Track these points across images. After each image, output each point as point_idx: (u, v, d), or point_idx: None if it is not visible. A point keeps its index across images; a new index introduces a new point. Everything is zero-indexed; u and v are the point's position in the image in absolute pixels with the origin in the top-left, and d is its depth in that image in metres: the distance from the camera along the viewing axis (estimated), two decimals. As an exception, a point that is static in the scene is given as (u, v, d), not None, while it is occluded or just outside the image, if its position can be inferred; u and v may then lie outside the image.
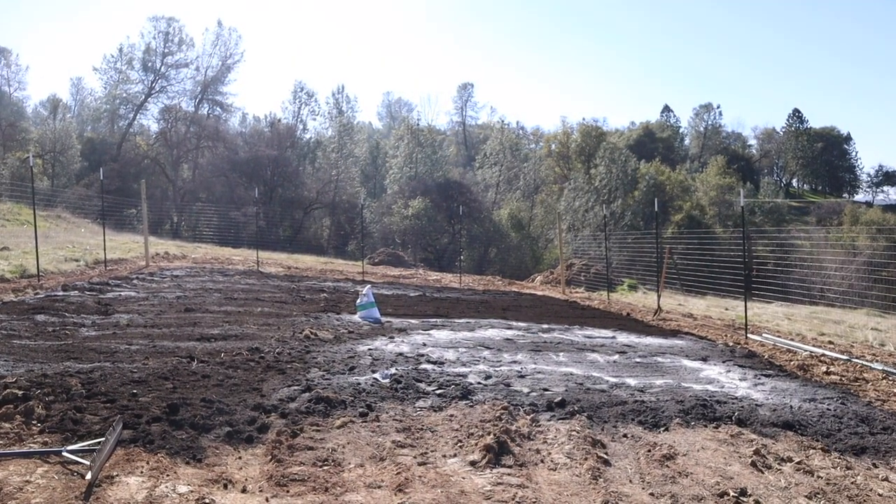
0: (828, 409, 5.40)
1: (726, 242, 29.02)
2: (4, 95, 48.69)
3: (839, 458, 4.25)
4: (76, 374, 5.21)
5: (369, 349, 7.22)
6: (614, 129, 75.56)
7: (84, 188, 36.09)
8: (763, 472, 3.97)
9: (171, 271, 15.71)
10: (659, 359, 7.54)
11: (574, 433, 4.42)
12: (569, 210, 44.35)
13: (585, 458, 4.00)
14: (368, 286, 11.10)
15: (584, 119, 64.65)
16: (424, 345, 7.70)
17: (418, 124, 51.96)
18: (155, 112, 47.85)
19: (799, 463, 4.12)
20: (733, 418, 4.93)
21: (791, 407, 5.44)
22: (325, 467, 3.69)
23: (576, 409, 5.03)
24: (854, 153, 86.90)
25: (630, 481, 3.77)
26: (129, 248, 19.99)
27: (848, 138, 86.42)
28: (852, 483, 3.86)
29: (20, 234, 18.69)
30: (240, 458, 3.78)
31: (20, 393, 4.38)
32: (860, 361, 7.88)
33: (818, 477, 3.94)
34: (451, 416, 4.77)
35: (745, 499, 3.56)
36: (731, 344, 9.08)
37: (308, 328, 8.19)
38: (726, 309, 14.39)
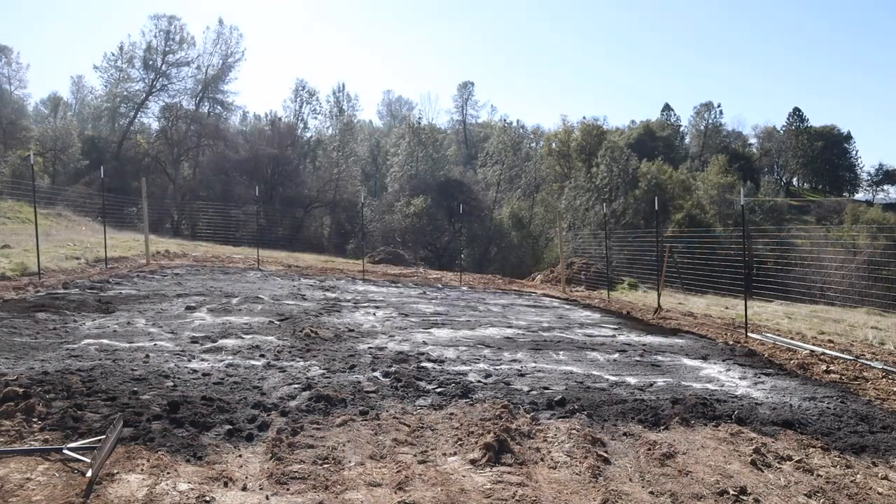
0: (827, 408, 5.41)
1: (726, 241, 29.01)
2: (5, 93, 48.54)
3: (839, 457, 4.26)
4: (77, 371, 5.22)
5: (369, 347, 7.23)
6: (615, 128, 75.70)
7: (84, 186, 36.08)
8: (763, 471, 3.97)
9: (171, 269, 15.72)
10: (659, 357, 7.55)
11: (574, 432, 4.43)
12: (569, 209, 44.36)
13: (585, 457, 4.00)
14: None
15: (584, 117, 64.69)
16: (425, 343, 7.71)
17: (419, 123, 51.91)
18: (156, 110, 47.82)
19: (799, 461, 4.12)
20: (733, 417, 4.93)
21: (791, 405, 5.45)
22: (326, 465, 3.70)
23: (576, 407, 5.04)
24: (854, 152, 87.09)
25: (630, 480, 3.77)
26: (130, 246, 19.99)
27: (848, 137, 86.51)
28: (852, 481, 3.86)
29: (21, 232, 18.70)
30: (240, 455, 3.79)
31: (21, 391, 4.39)
32: (860, 360, 7.88)
33: (818, 475, 3.94)
34: (452, 414, 4.77)
35: (744, 497, 3.57)
36: (731, 343, 9.08)
37: (308, 326, 8.20)
38: (726, 307, 14.39)
